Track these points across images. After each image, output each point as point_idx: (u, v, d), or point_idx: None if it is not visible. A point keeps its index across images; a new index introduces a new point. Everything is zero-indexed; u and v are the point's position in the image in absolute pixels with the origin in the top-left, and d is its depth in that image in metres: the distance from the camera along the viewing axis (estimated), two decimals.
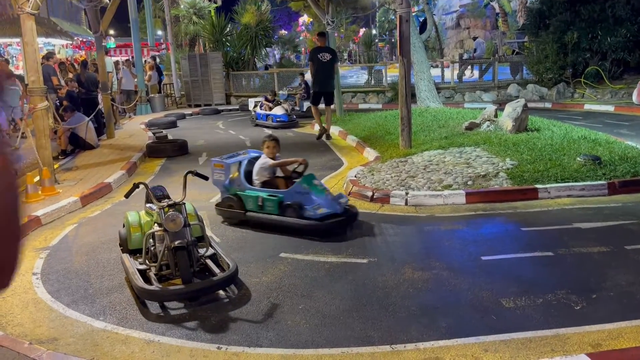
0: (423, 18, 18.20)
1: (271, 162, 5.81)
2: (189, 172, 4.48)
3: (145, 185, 4.45)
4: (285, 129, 13.28)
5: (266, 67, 23.97)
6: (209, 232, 5.47)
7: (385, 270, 4.48)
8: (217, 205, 5.95)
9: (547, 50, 16.84)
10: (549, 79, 17.17)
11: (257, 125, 14.11)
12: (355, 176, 7.44)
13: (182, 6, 23.54)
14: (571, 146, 7.78)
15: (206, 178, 4.69)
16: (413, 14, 22.45)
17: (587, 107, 14.97)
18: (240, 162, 5.96)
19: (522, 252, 4.75)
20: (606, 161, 7.02)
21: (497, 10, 30.41)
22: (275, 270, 4.58)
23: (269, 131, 13.18)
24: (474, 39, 23.40)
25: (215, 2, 22.92)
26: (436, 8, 34.36)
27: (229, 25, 22.39)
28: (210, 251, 4.56)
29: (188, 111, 18.30)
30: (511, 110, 9.09)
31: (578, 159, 7.10)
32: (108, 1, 12.38)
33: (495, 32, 27.79)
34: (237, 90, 20.21)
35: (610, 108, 14.32)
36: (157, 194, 4.54)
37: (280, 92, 16.21)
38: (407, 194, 6.51)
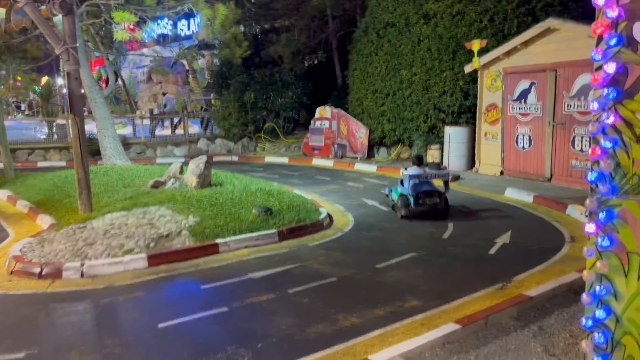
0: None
1: None
2: None
3: None
4: None
5: None
6: None
7: None
8: None
9: (231, 107, 18.34)
10: (234, 134, 18.65)
11: None
12: (20, 250, 6.47)
13: None
14: (249, 199, 8.46)
15: None
16: (101, 67, 21.57)
17: (268, 159, 16.76)
18: None
19: (199, 311, 4.82)
20: (276, 211, 7.86)
21: (187, 67, 31.81)
22: None
23: None
24: (164, 94, 23.81)
25: None
26: (127, 61, 33.85)
27: None
28: None
29: None
30: (194, 166, 9.40)
31: (253, 210, 7.74)
32: None
33: (185, 89, 28.91)
34: None
35: (285, 160, 16.34)
36: None
37: None
38: (82, 265, 5.97)
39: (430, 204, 8.36)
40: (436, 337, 4.07)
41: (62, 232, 7.08)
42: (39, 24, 7.78)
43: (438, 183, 8.92)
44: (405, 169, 8.91)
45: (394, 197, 8.95)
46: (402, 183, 8.88)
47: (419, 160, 8.84)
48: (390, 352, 3.87)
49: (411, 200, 8.38)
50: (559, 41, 10.37)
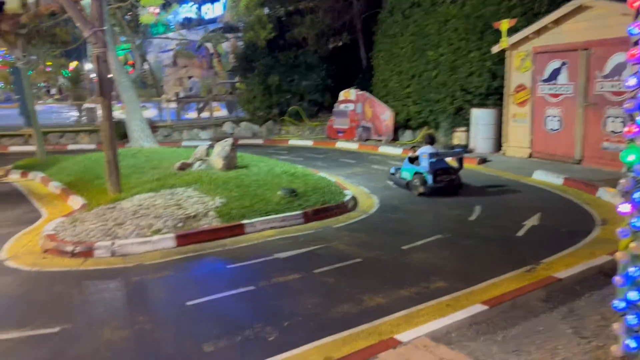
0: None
1: None
2: None
3: None
4: None
5: None
6: None
7: (81, 336, 4.05)
8: None
9: (255, 90, 18.37)
10: (259, 117, 18.70)
11: None
12: (54, 229, 6.65)
13: None
14: (274, 180, 8.50)
15: None
16: (126, 50, 21.78)
17: (292, 142, 16.78)
18: None
19: (226, 290, 4.89)
20: (301, 193, 7.88)
21: (212, 51, 31.91)
22: None
23: None
24: (190, 78, 23.98)
25: None
26: (152, 45, 34.13)
27: None
28: None
29: None
30: (220, 149, 9.48)
31: (279, 192, 7.78)
32: None
33: (210, 72, 29.05)
34: None
35: (309, 143, 16.33)
36: None
37: None
38: (113, 244, 6.11)
39: (447, 181, 8.65)
40: (463, 318, 4.06)
41: (93, 212, 7.24)
42: (68, 7, 7.88)
43: (452, 162, 9.10)
44: (413, 148, 9.33)
45: (405, 175, 9.18)
46: (410, 161, 9.11)
47: (431, 139, 9.18)
48: (417, 332, 3.87)
49: (429, 177, 8.56)
50: (591, 19, 10.04)
